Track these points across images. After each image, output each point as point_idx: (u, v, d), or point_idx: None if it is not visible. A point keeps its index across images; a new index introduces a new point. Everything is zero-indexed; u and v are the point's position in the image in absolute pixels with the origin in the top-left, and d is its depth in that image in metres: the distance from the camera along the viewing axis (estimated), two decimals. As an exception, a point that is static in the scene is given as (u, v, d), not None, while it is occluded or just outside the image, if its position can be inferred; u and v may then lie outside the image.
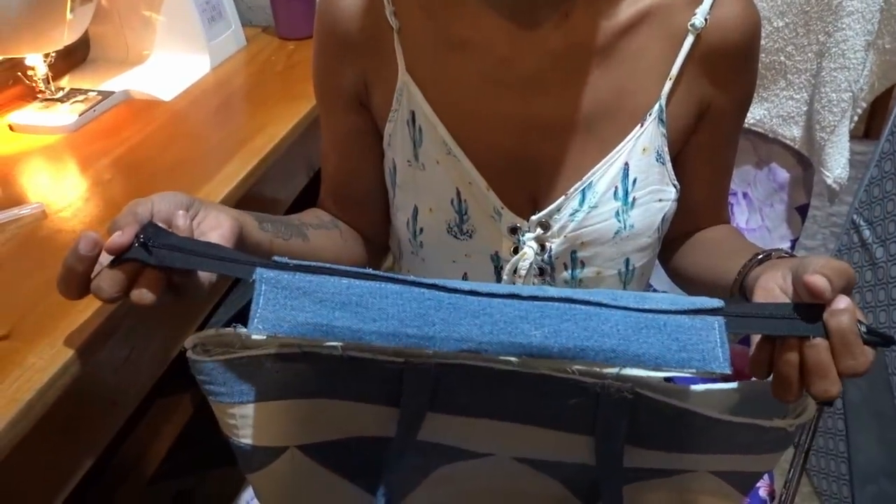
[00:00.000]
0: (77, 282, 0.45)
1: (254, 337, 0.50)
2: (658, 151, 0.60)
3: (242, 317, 0.49)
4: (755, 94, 0.80)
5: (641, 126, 0.59)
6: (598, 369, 0.45)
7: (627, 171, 0.59)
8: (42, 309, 0.55)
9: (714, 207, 0.67)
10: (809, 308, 0.43)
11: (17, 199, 0.71)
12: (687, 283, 0.68)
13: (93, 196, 0.72)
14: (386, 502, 0.52)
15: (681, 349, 0.42)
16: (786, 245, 0.86)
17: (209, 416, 0.52)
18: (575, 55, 0.57)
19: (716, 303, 0.43)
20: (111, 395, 0.59)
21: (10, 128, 0.84)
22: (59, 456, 0.53)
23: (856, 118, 0.80)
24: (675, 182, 0.62)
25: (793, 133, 0.80)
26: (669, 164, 0.61)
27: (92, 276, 0.45)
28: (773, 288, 0.47)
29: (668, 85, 0.58)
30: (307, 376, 0.51)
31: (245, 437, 0.53)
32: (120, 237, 0.44)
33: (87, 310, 0.55)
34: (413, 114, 0.59)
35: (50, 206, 0.69)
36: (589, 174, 0.59)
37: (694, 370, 0.41)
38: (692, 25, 0.58)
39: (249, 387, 0.51)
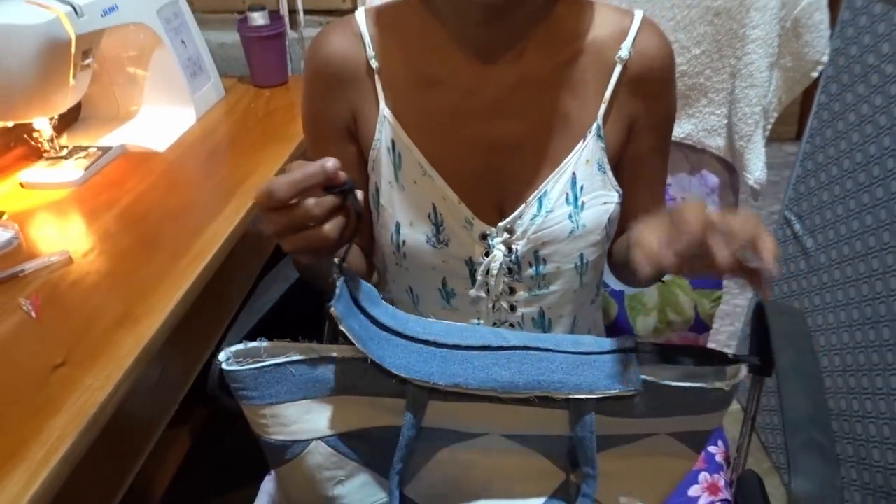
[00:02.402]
0: (300, 190, 0.50)
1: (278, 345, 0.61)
2: (599, 162, 0.71)
3: (252, 336, 0.60)
4: (683, 112, 0.93)
5: (584, 142, 0.70)
6: (551, 396, 0.58)
7: (575, 179, 0.71)
8: (89, 339, 0.64)
9: (649, 210, 0.78)
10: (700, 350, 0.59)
11: (38, 249, 0.79)
12: (612, 267, 0.80)
13: (110, 241, 0.80)
14: (398, 482, 0.62)
15: (606, 378, 0.58)
16: None
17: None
18: (528, 86, 0.69)
19: (630, 342, 0.59)
20: (148, 412, 0.67)
21: (21, 185, 0.92)
22: (113, 466, 0.62)
23: (769, 127, 0.93)
24: (617, 187, 0.74)
25: (717, 143, 0.93)
26: (610, 173, 0.73)
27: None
28: (642, 231, 0.55)
29: (603, 107, 0.70)
30: (326, 378, 0.61)
31: (275, 433, 0.63)
32: (341, 176, 0.51)
33: (127, 336, 0.64)
34: (393, 141, 0.70)
35: (73, 252, 0.77)
36: (543, 184, 0.70)
37: (617, 391, 0.58)
38: (619, 57, 0.69)
39: (277, 389, 0.61)
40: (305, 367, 0.60)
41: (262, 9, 1.17)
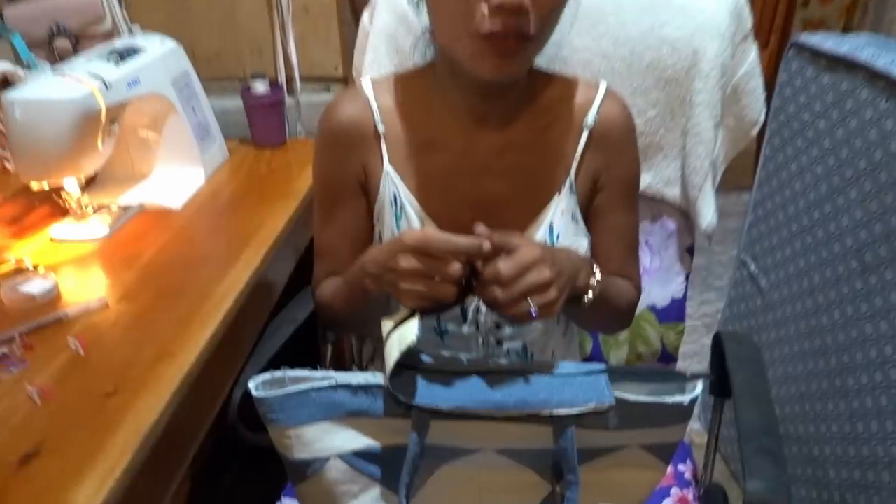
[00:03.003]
0: (454, 251, 0.64)
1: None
2: (572, 213, 0.83)
3: (272, 365, 0.71)
4: (643, 165, 1.05)
5: (559, 195, 0.82)
6: (538, 413, 0.68)
7: (552, 228, 0.82)
8: (134, 371, 0.73)
9: (615, 258, 0.87)
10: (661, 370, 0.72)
11: (74, 296, 0.88)
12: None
13: (139, 288, 0.90)
14: (406, 495, 0.71)
15: (584, 395, 0.69)
16: (681, 278, 1.10)
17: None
18: (512, 149, 0.81)
19: (601, 366, 0.71)
20: (185, 436, 0.76)
21: (52, 240, 1.02)
22: (160, 484, 0.70)
23: (717, 178, 1.06)
24: (587, 234, 0.86)
25: (673, 193, 1.06)
26: (582, 222, 0.85)
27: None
28: None
29: (574, 164, 0.82)
30: (342, 402, 0.71)
31: (298, 452, 0.73)
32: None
33: (168, 367, 0.73)
34: (395, 195, 0.81)
35: (108, 299, 0.87)
36: (526, 232, 0.82)
37: (593, 406, 0.68)
38: (586, 123, 0.82)
39: (300, 413, 0.71)
40: (325, 393, 0.70)
41: (262, 77, 1.30)
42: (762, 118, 1.04)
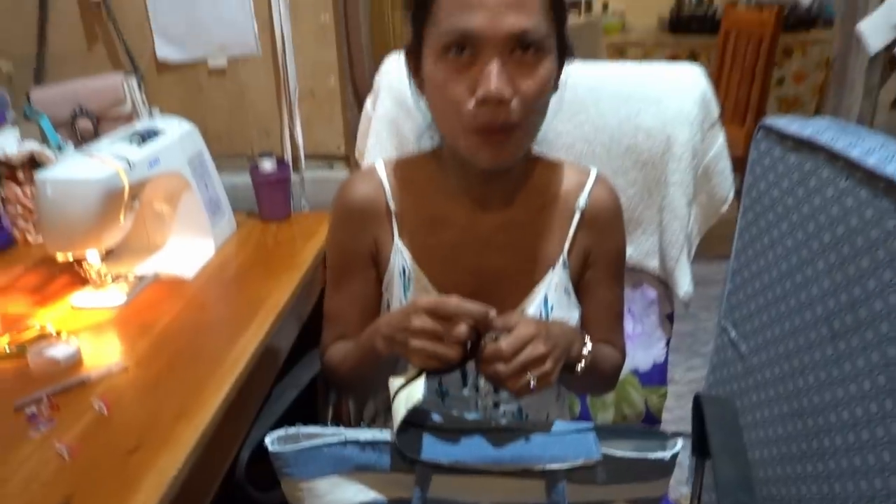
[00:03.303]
0: (465, 315, 0.71)
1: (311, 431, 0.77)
2: (565, 287, 0.91)
3: (281, 424, 0.76)
4: (628, 239, 1.14)
5: (553, 271, 0.90)
6: (531, 467, 0.75)
7: (547, 300, 0.90)
8: (155, 430, 0.79)
9: (602, 328, 0.94)
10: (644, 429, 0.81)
11: (95, 360, 0.94)
12: None
13: (157, 353, 0.96)
14: None
15: (574, 451, 0.76)
16: (662, 343, 1.18)
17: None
18: (511, 228, 0.89)
19: (590, 425, 0.77)
20: (199, 493, 0.81)
21: (72, 308, 1.08)
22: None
23: (692, 251, 1.15)
24: (578, 306, 0.93)
25: (653, 264, 1.14)
26: (573, 295, 0.92)
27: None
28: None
29: (567, 243, 0.90)
30: (351, 456, 0.77)
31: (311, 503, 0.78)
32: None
33: (187, 426, 0.79)
34: (403, 268, 0.89)
35: (127, 362, 0.93)
36: (522, 304, 0.89)
37: (582, 461, 0.75)
38: (578, 205, 0.91)
39: (312, 467, 0.77)
40: (335, 448, 0.77)
41: (270, 156, 1.39)
42: (731, 196, 1.14)
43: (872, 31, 1.31)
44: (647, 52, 3.81)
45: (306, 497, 0.77)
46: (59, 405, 0.84)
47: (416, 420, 0.76)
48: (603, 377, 0.95)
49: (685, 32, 3.83)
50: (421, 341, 0.72)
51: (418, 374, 0.75)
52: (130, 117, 1.41)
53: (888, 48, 1.32)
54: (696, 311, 2.85)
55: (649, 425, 1.21)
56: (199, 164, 1.29)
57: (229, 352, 0.96)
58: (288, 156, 1.50)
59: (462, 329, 0.71)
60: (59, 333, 0.99)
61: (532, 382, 0.72)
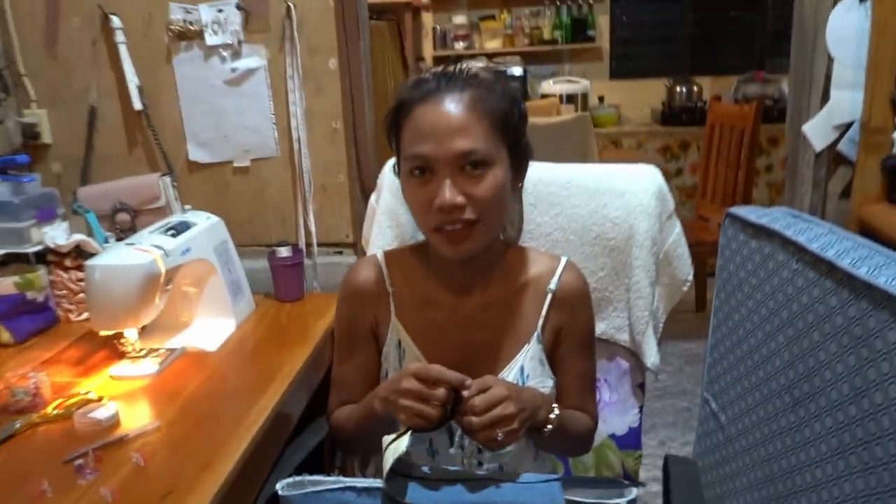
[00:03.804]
0: (446, 381, 0.86)
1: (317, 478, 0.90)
2: (539, 359, 1.05)
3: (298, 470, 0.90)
4: (598, 316, 1.28)
5: (529, 345, 1.04)
6: None
7: (523, 370, 1.04)
8: (183, 478, 0.92)
9: (574, 395, 1.07)
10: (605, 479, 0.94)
11: (132, 420, 1.09)
12: None
13: (185, 414, 1.10)
14: None
15: (540, 497, 0.88)
16: (635, 410, 1.30)
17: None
18: (491, 308, 1.04)
19: (556, 476, 0.91)
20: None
21: (111, 377, 1.23)
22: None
23: (660, 327, 1.29)
24: (552, 376, 1.07)
25: (624, 337, 1.28)
26: (547, 366, 1.06)
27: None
28: None
29: (541, 320, 1.05)
30: (349, 500, 0.90)
31: None
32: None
33: (211, 475, 0.93)
34: (399, 341, 1.04)
35: (160, 423, 1.07)
36: (501, 373, 1.03)
37: (559, 502, 0.87)
38: (550, 288, 1.06)
39: None
40: (336, 493, 0.90)
41: (286, 244, 1.57)
42: (690, 278, 1.29)
43: (816, 132, 1.49)
44: (640, 142, 4.04)
45: None
46: (102, 458, 0.98)
47: (406, 471, 0.89)
48: (574, 438, 1.07)
49: (676, 124, 4.08)
50: (408, 401, 0.86)
51: (406, 431, 0.89)
52: (164, 211, 1.60)
53: (831, 146, 1.50)
54: (693, 387, 2.95)
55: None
56: (224, 252, 1.46)
57: (247, 415, 1.10)
58: (302, 243, 1.68)
59: (441, 392, 0.85)
60: (100, 399, 1.14)
61: (500, 436, 0.86)
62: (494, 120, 0.91)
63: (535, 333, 1.03)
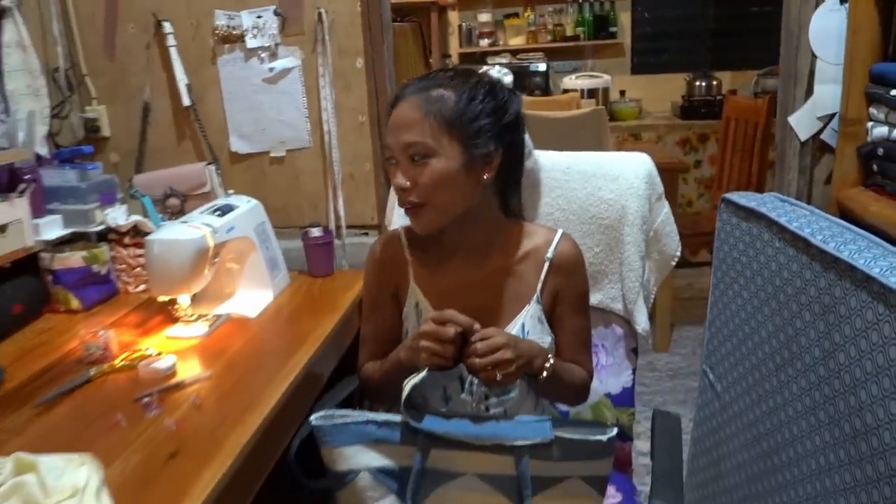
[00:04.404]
0: (458, 324, 1.02)
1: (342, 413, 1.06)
2: (538, 317, 1.20)
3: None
4: (595, 287, 1.42)
5: (529, 305, 1.19)
6: (501, 442, 1.02)
7: (524, 327, 1.18)
8: (231, 416, 1.10)
9: (570, 350, 1.21)
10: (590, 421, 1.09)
11: (187, 371, 1.27)
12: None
13: (231, 367, 1.28)
14: (412, 499, 1.04)
15: (533, 431, 1.02)
16: (629, 371, 1.45)
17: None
18: (495, 274, 1.18)
19: (548, 417, 1.04)
20: (262, 458, 1.11)
21: (167, 337, 1.42)
22: (255, 473, 1.05)
23: (650, 297, 1.43)
24: (550, 332, 1.22)
25: (618, 306, 1.42)
26: (546, 324, 1.20)
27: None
28: None
29: (539, 285, 1.19)
30: (371, 432, 1.06)
31: (340, 465, 1.07)
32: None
33: (255, 411, 1.10)
34: (417, 303, 1.20)
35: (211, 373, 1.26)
36: (504, 329, 1.18)
37: (540, 439, 1.01)
38: (547, 257, 1.21)
39: (342, 438, 1.06)
40: (359, 425, 1.06)
41: (318, 226, 1.74)
42: (678, 253, 1.43)
43: (801, 123, 1.61)
44: (660, 135, 4.15)
45: (337, 459, 1.06)
46: (164, 398, 1.16)
47: (424, 407, 1.05)
48: (568, 387, 1.20)
49: (696, 117, 4.18)
50: (426, 341, 1.02)
51: (424, 371, 1.05)
52: (209, 196, 1.79)
53: (816, 136, 1.62)
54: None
55: (622, 442, 1.47)
56: (263, 231, 1.64)
57: (284, 368, 1.28)
58: (332, 225, 1.85)
59: (451, 330, 1.01)
60: (159, 353, 1.32)
61: (499, 377, 1.01)
62: (443, 118, 1.06)
63: (535, 296, 1.18)
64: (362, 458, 1.06)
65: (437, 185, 1.07)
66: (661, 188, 1.40)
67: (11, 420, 1.14)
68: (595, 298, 1.40)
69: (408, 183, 1.07)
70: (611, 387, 1.45)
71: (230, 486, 0.97)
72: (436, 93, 1.07)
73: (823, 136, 1.66)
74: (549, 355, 1.11)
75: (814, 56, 1.60)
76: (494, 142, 1.09)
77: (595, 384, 1.36)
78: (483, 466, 1.04)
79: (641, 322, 1.40)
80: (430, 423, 1.03)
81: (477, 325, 1.03)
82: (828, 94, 1.59)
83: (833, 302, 1.30)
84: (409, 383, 1.03)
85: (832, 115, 1.62)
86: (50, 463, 0.90)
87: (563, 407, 1.43)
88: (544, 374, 1.10)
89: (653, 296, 1.45)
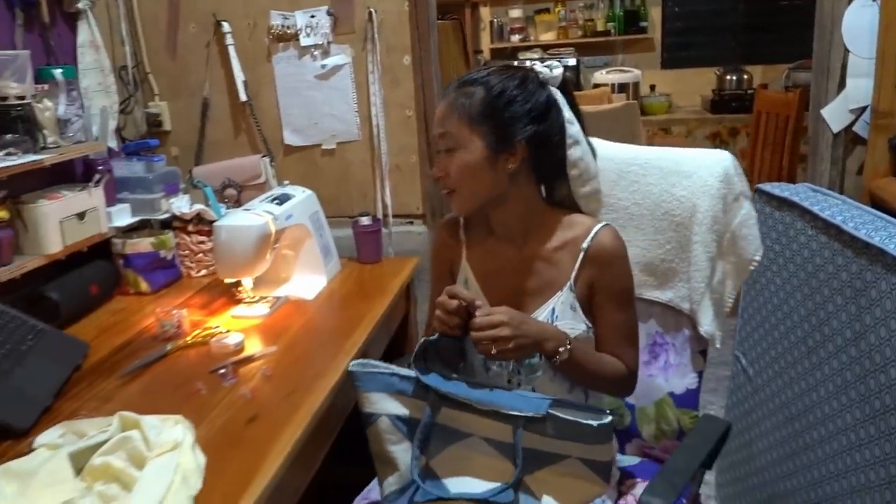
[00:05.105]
0: (463, 299, 1.08)
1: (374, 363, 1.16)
2: (570, 304, 1.25)
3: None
4: (667, 285, 1.37)
5: (561, 292, 1.25)
6: (499, 410, 1.09)
7: (553, 311, 1.23)
8: (302, 385, 1.20)
9: (609, 343, 1.19)
10: (588, 405, 1.17)
11: (252, 347, 1.37)
12: None
13: (293, 345, 1.38)
14: (419, 453, 1.12)
15: (528, 405, 1.06)
16: (694, 374, 1.40)
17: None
18: (534, 259, 1.25)
19: (548, 396, 1.07)
20: (332, 420, 1.21)
21: (232, 317, 1.53)
22: (322, 437, 1.15)
23: (726, 301, 1.33)
24: (586, 321, 1.26)
25: (685, 306, 1.32)
26: (579, 312, 1.23)
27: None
28: None
29: (573, 273, 1.25)
30: (394, 383, 1.15)
31: (367, 408, 1.16)
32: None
33: (322, 382, 1.20)
34: (466, 280, 1.29)
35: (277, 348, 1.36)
36: (536, 312, 1.23)
37: (532, 413, 1.05)
38: (583, 247, 1.27)
39: (372, 384, 1.16)
40: (385, 376, 1.16)
41: (367, 215, 1.84)
42: (758, 257, 1.34)
43: (834, 116, 1.67)
44: (690, 129, 4.20)
45: (365, 402, 1.16)
46: (237, 370, 1.27)
47: (438, 370, 1.13)
48: (596, 377, 1.22)
49: (726, 111, 4.21)
50: (438, 311, 1.12)
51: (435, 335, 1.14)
52: (264, 187, 1.89)
53: (848, 128, 1.68)
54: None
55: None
56: (317, 220, 1.74)
57: (344, 344, 1.37)
58: (380, 214, 1.95)
59: (454, 303, 1.10)
60: (227, 331, 1.43)
61: (493, 351, 1.08)
62: (466, 114, 1.15)
63: (568, 284, 1.23)
64: (385, 405, 1.15)
65: (462, 174, 1.15)
66: (740, 188, 1.33)
67: (101, 388, 1.25)
68: (665, 296, 1.39)
69: (440, 172, 1.17)
70: (675, 386, 1.42)
71: (306, 444, 1.08)
72: (467, 89, 1.15)
73: (855, 129, 1.71)
74: (567, 341, 1.15)
75: (846, 50, 1.66)
76: (519, 133, 1.15)
77: (661, 382, 1.38)
78: (488, 431, 1.11)
79: (705, 324, 1.33)
80: (433, 381, 1.11)
81: (479, 302, 1.10)
82: (860, 87, 1.65)
83: (864, 286, 1.36)
84: (420, 342, 1.12)
85: (864, 108, 1.68)
86: (150, 421, 1.00)
87: (630, 399, 1.42)
88: (558, 358, 1.14)
89: (730, 300, 1.38)
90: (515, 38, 4.85)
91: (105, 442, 0.97)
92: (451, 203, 1.21)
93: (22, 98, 1.48)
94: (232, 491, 0.93)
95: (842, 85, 1.70)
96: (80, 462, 0.96)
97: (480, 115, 1.14)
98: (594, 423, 1.02)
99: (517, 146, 1.16)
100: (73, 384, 1.27)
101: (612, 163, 1.37)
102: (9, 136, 1.44)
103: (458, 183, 1.17)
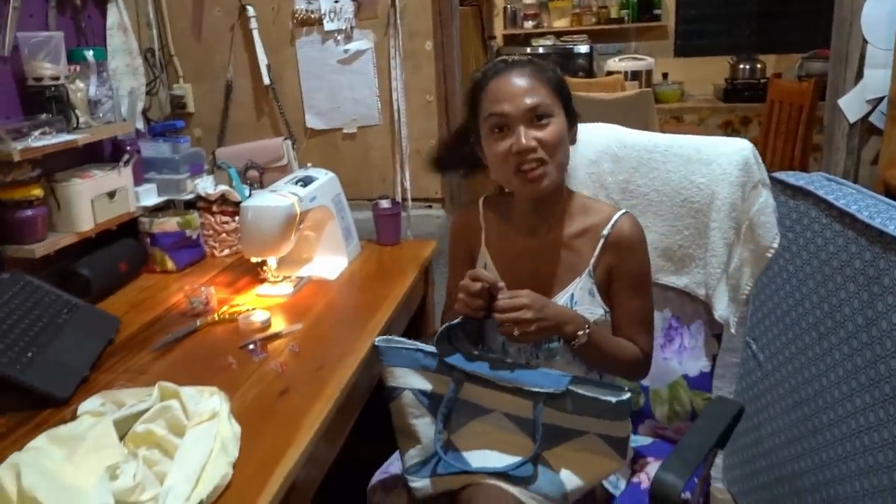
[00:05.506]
0: (486, 281, 1.12)
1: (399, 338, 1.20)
2: (589, 290, 1.28)
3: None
4: (682, 271, 1.40)
5: (580, 278, 1.28)
6: (520, 387, 1.12)
7: (573, 297, 1.26)
8: (329, 362, 1.24)
9: (625, 328, 1.23)
10: (607, 382, 1.21)
11: (278, 324, 1.41)
12: None
13: (318, 322, 1.43)
14: (442, 424, 1.16)
15: (548, 382, 1.10)
16: (708, 357, 1.42)
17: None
18: (554, 246, 1.28)
19: (568, 374, 1.10)
20: (358, 394, 1.25)
21: (257, 295, 1.57)
22: (348, 413, 1.19)
23: (742, 287, 1.33)
24: (603, 306, 1.29)
25: (702, 291, 1.36)
26: (597, 297, 1.26)
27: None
28: None
29: (593, 260, 1.28)
30: (417, 359, 1.19)
31: (391, 382, 1.21)
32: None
33: (349, 357, 1.24)
34: (485, 265, 1.32)
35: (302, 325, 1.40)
36: (555, 297, 1.27)
37: (553, 389, 1.09)
38: (603, 234, 1.30)
39: (395, 359, 1.20)
40: (408, 352, 1.20)
41: (386, 198, 1.87)
42: (775, 245, 1.34)
43: (851, 106, 1.69)
44: (702, 117, 4.21)
45: (389, 377, 1.20)
46: (265, 346, 1.31)
47: (460, 348, 1.16)
48: (613, 361, 1.25)
49: (739, 100, 4.22)
50: (462, 293, 1.15)
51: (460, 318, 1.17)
52: (286, 169, 1.93)
53: (865, 118, 1.70)
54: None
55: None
56: (339, 202, 1.78)
57: (369, 322, 1.41)
58: (399, 197, 1.98)
59: (477, 285, 1.13)
60: (253, 308, 1.47)
61: (515, 332, 1.12)
62: (551, 84, 1.17)
63: (587, 270, 1.26)
64: (409, 380, 1.19)
65: (557, 142, 1.16)
66: (759, 176, 1.34)
67: (134, 361, 1.30)
68: (681, 282, 1.42)
69: (534, 142, 1.15)
70: (689, 369, 1.44)
71: (336, 416, 1.12)
72: (537, 65, 1.18)
73: (872, 119, 1.74)
74: (586, 325, 1.19)
75: (865, 41, 1.68)
76: (574, 112, 1.22)
77: (675, 364, 1.41)
78: (509, 406, 1.14)
79: (720, 309, 1.37)
80: (455, 360, 1.15)
81: (501, 284, 1.13)
82: (878, 78, 1.67)
83: (877, 273, 1.39)
84: (445, 325, 1.16)
85: (881, 99, 1.70)
86: (188, 392, 1.05)
87: (644, 381, 1.45)
88: (576, 341, 1.18)
89: (747, 287, 1.38)
90: (529, 24, 4.85)
91: (146, 411, 1.02)
92: (539, 178, 1.16)
93: (56, 79, 1.51)
94: (268, 459, 0.97)
95: (859, 75, 1.72)
96: (122, 429, 1.00)
97: (561, 88, 1.19)
98: (613, 399, 1.05)
99: (575, 122, 1.22)
100: (106, 357, 1.31)
101: (632, 150, 1.40)
102: (44, 116, 1.48)
103: (552, 151, 1.16)
